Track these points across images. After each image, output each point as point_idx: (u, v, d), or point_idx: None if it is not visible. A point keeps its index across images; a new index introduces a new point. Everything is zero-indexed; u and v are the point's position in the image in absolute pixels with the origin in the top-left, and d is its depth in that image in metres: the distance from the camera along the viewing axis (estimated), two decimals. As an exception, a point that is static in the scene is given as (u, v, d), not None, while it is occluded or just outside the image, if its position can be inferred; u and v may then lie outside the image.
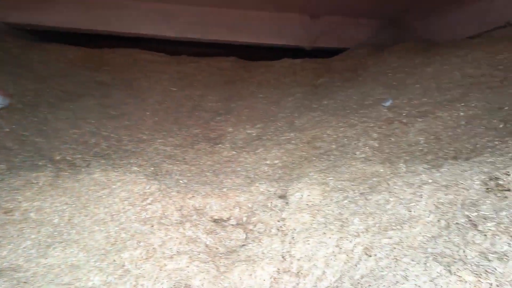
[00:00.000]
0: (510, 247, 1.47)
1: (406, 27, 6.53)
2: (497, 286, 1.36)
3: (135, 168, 3.58)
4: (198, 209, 3.09)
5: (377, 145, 3.60)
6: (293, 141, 4.27)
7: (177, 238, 2.67)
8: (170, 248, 2.59)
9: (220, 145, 4.52)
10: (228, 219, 3.15)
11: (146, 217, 2.86)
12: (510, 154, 2.17)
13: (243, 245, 2.77)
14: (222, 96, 5.78)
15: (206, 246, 2.71)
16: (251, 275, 2.39)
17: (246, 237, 2.88)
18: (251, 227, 2.93)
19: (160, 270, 2.40)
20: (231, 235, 2.94)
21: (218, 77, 6.45)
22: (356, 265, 1.92)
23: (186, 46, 7.14)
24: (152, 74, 6.28)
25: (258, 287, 2.36)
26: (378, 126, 3.96)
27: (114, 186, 3.17)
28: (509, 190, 1.75)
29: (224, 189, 3.31)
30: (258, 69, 6.48)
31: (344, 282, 1.85)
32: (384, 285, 1.62)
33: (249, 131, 4.86)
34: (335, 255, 2.10)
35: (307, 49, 6.98)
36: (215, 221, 3.08)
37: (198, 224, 2.87)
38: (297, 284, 2.17)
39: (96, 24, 6.58)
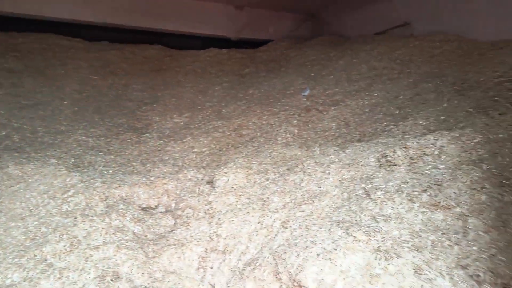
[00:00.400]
0: (393, 210, 1.81)
1: (323, 22, 7.03)
2: (382, 241, 1.67)
3: (54, 161, 3.41)
4: (124, 199, 3.09)
5: (296, 131, 3.92)
6: (220, 129, 4.42)
7: (103, 228, 2.65)
8: (96, 239, 2.57)
9: (146, 134, 4.48)
10: (157, 206, 3.20)
11: (68, 210, 2.78)
12: (400, 136, 2.58)
13: (172, 230, 2.86)
14: (148, 85, 5.67)
15: (134, 234, 2.74)
16: (180, 257, 2.50)
17: (175, 223, 2.97)
18: (179, 212, 3.03)
19: (86, 260, 2.39)
20: (160, 222, 3.00)
21: (143, 66, 6.28)
22: (274, 237, 2.15)
23: (108, 32, 6.79)
24: (69, 61, 5.88)
25: (187, 267, 2.49)
26: (298, 114, 4.29)
27: (30, 180, 3.01)
28: (395, 164, 2.11)
29: (152, 178, 3.34)
30: (184, 58, 6.46)
31: (264, 253, 2.07)
32: (296, 251, 1.87)
33: (176, 120, 4.88)
34: (257, 231, 2.31)
35: (233, 39, 7.13)
36: (143, 209, 3.10)
37: (125, 213, 2.88)
38: (224, 260, 2.34)
39: (2, 5, 5.91)
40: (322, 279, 1.66)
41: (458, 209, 1.62)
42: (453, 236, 1.54)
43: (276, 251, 2.00)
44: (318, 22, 7.12)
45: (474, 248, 1.47)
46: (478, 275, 1.39)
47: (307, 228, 2.03)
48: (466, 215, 1.58)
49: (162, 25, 6.82)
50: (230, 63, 6.26)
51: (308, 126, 4.01)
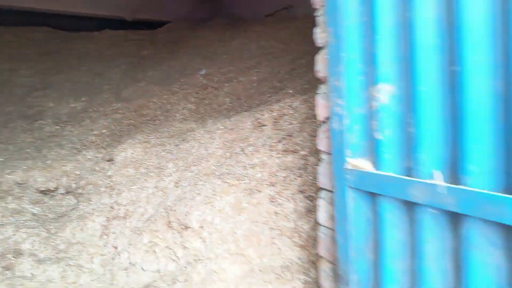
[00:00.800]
0: (258, 159, 2.26)
1: (219, 4, 7.32)
2: (249, 183, 2.11)
3: None
4: (20, 183, 3.07)
5: (194, 107, 4.22)
6: (120, 111, 4.49)
7: (-2, 212, 2.66)
8: (-8, 223, 2.58)
9: (40, 121, 4.33)
10: (56, 188, 3.24)
11: (-45, 199, 2.71)
12: (274, 103, 3.07)
13: (74, 208, 2.98)
14: (38, 70, 5.36)
15: (34, 214, 2.80)
16: (82, 229, 2.66)
17: (77, 202, 3.08)
18: (80, 191, 3.14)
19: (-17, 244, 2.42)
20: (61, 202, 3.08)
21: (31, 49, 5.85)
22: (168, 196, 2.46)
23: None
24: None
25: (90, 237, 2.67)
26: (195, 92, 4.58)
27: None
28: (264, 125, 2.57)
29: (48, 161, 3.35)
30: (77, 40, 6.19)
31: (159, 210, 2.38)
32: (184, 202, 2.22)
33: (73, 105, 4.78)
34: (154, 194, 2.59)
35: (129, 20, 7.00)
36: (41, 192, 3.13)
37: (22, 196, 2.90)
38: (125, 224, 2.58)
39: None
40: (204, 219, 2.04)
41: (302, 152, 2.13)
42: (297, 171, 2.04)
43: (168, 206, 2.32)
44: (215, 4, 7.39)
45: (310, 177, 1.98)
46: (311, 195, 1.90)
47: (195, 184, 2.39)
48: (307, 155, 2.09)
49: (48, 5, 6.38)
50: (128, 45, 6.21)
51: (205, 102, 4.34)
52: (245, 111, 3.64)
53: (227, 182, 2.16)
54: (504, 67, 0.77)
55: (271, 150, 2.26)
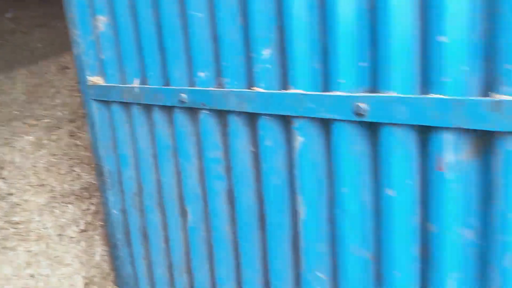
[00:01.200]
0: (60, 100, 2.38)
1: None
2: (49, 122, 2.24)
3: None
4: None
5: (-1, 54, 3.82)
6: None
7: None
8: None
9: None
10: None
11: None
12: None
13: None
14: None
15: None
16: None
17: None
18: None
19: None
20: None
21: None
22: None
23: None
24: None
25: None
26: (1, 36, 4.09)
27: None
28: (67, 68, 2.65)
29: None
30: None
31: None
32: None
33: None
34: None
35: None
36: None
37: None
38: None
39: None
40: (3, 160, 2.11)
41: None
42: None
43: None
44: None
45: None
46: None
47: (-6, 129, 2.36)
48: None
49: None
50: None
51: (13, 48, 3.95)
52: (55, 56, 3.53)
53: (27, 123, 2.23)
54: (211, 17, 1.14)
55: (72, 90, 2.40)
